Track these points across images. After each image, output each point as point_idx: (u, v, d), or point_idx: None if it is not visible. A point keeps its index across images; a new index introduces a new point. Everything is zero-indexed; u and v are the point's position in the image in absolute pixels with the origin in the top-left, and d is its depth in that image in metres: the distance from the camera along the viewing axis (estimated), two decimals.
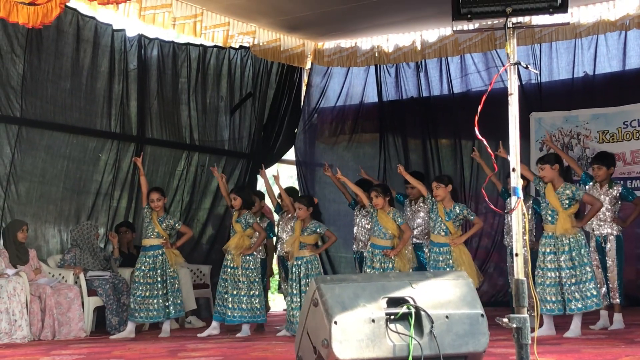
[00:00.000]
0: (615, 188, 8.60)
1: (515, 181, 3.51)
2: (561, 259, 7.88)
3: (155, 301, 9.28)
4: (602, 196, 8.49)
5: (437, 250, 8.59)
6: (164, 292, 9.34)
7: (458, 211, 8.55)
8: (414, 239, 9.52)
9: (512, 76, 3.51)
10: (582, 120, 11.45)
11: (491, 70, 12.46)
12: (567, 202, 7.94)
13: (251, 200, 9.57)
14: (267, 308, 11.53)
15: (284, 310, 10.49)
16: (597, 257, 8.47)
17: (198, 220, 12.10)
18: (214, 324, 9.34)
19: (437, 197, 8.56)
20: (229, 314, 9.24)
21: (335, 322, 4.42)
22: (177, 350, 7.64)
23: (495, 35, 11.72)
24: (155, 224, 9.35)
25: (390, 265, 8.76)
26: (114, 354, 7.44)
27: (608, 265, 8.41)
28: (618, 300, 8.35)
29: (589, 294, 7.81)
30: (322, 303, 4.50)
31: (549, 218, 8.00)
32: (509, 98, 3.56)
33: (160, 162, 11.85)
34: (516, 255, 3.51)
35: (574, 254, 7.87)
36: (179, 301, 9.45)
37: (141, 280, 9.29)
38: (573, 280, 7.82)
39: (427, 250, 9.18)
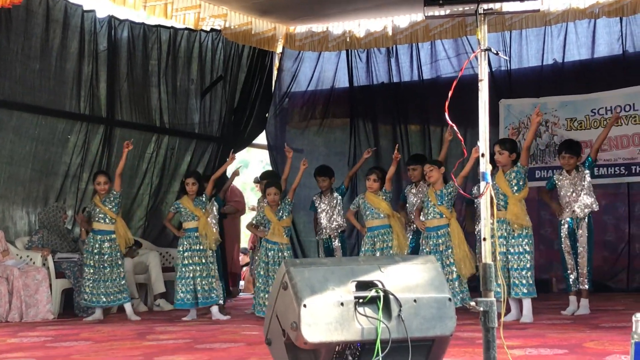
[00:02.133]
0: (581, 170, 8.62)
1: (484, 167, 3.55)
2: (511, 244, 8.01)
3: (103, 285, 9.25)
4: (576, 180, 8.52)
5: (435, 234, 8.59)
6: (111, 277, 9.30)
7: (449, 189, 8.54)
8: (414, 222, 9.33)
9: (483, 62, 3.54)
10: (551, 107, 11.52)
11: (461, 56, 12.51)
12: (515, 182, 8.05)
13: (204, 187, 9.57)
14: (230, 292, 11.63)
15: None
16: (568, 243, 8.55)
17: (167, 203, 12.04)
18: (192, 310, 9.31)
19: (431, 178, 8.58)
20: (195, 297, 9.23)
21: (305, 306, 4.43)
22: (145, 333, 7.65)
23: (466, 22, 11.75)
24: (99, 206, 9.29)
25: (390, 244, 8.80)
26: (82, 336, 7.44)
27: (579, 251, 8.48)
28: (587, 286, 8.44)
29: (531, 282, 7.96)
30: (292, 286, 4.51)
31: (501, 203, 8.08)
32: (479, 84, 3.59)
33: None
34: (484, 239, 3.55)
35: (520, 240, 8.01)
36: (124, 287, 9.43)
37: (90, 263, 9.26)
38: (515, 266, 7.96)
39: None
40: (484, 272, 3.61)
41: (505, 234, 8.04)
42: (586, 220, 8.51)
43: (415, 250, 9.08)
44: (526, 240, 8.05)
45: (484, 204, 3.60)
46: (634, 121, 10.95)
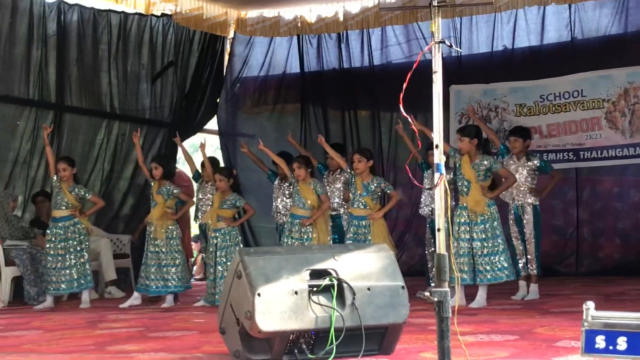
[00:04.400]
0: (532, 160, 8.74)
1: (438, 158, 3.58)
2: (475, 230, 8.04)
3: (68, 272, 9.17)
4: (520, 168, 8.63)
5: (357, 223, 8.70)
6: (76, 262, 9.23)
7: (376, 185, 8.67)
8: (332, 211, 9.44)
9: (437, 55, 3.57)
10: (500, 93, 11.63)
11: (412, 42, 12.55)
12: (482, 173, 8.08)
13: (172, 171, 9.52)
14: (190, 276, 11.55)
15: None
16: (516, 229, 8.63)
17: (119, 189, 11.98)
18: (136, 294, 9.30)
19: (357, 170, 8.64)
20: (153, 285, 9.21)
21: (259, 294, 4.45)
22: (97, 321, 7.60)
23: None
24: (65, 193, 9.19)
25: (310, 236, 8.86)
26: (33, 324, 7.38)
27: (526, 237, 8.58)
28: (535, 271, 8.53)
29: (499, 266, 7.98)
30: (246, 275, 4.53)
31: (464, 189, 8.11)
32: (433, 76, 3.62)
33: (80, 130, 11.66)
34: (438, 230, 3.58)
35: (487, 225, 8.02)
36: (88, 272, 9.36)
37: (52, 252, 9.16)
38: (485, 252, 7.99)
39: (345, 222, 9.28)
40: (438, 263, 3.65)
41: (469, 220, 8.07)
42: (532, 205, 8.61)
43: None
44: (494, 223, 8.06)
45: (438, 195, 3.63)
46: (582, 107, 11.09)
